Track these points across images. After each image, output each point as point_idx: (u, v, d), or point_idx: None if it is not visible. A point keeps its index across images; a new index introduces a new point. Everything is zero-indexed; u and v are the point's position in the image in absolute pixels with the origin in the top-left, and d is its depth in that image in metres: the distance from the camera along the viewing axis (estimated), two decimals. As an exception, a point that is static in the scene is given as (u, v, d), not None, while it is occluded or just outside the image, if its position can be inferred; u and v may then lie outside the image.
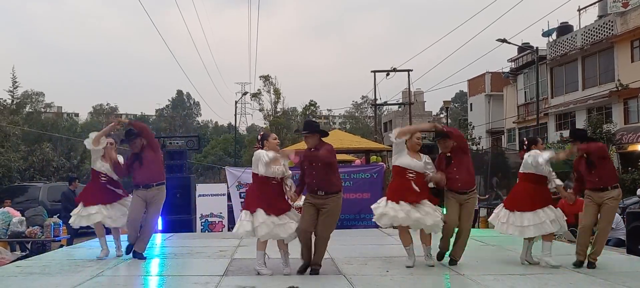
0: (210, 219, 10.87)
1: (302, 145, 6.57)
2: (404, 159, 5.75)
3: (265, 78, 41.26)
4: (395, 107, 41.16)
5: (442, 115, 46.00)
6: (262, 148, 5.51)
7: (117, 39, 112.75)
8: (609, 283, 5.02)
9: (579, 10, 27.07)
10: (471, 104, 40.24)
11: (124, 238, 6.67)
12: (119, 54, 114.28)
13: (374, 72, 30.63)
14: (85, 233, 12.11)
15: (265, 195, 5.40)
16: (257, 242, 5.50)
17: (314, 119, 5.85)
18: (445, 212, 5.86)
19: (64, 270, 5.72)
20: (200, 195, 10.97)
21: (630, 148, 21.42)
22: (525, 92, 31.07)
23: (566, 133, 21.55)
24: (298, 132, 5.92)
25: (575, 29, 26.74)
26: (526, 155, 5.94)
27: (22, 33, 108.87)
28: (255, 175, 5.52)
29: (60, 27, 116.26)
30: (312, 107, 41.45)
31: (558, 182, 6.04)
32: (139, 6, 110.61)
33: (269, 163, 5.33)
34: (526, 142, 6.13)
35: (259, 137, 5.75)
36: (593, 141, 6.38)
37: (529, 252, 6.06)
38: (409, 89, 31.35)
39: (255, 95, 42.47)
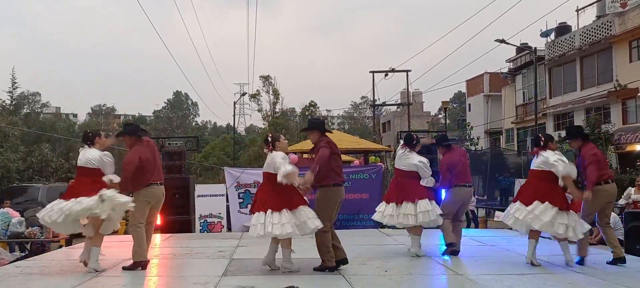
0: (209, 220, 10.88)
1: (306, 145, 6.68)
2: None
3: (265, 78, 41.30)
4: (394, 108, 41.21)
5: (440, 116, 46.01)
6: (273, 149, 5.53)
7: (115, 39, 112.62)
8: (607, 282, 5.04)
9: (578, 10, 27.13)
10: (469, 104, 40.27)
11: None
12: (117, 53, 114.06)
13: (373, 72, 30.69)
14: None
15: (283, 193, 5.37)
16: (284, 240, 5.46)
17: (316, 117, 6.02)
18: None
19: (64, 271, 5.73)
20: (199, 196, 10.97)
21: (629, 148, 21.45)
22: (523, 92, 31.11)
23: (564, 133, 21.53)
24: (304, 130, 6.17)
25: (573, 29, 26.78)
26: (548, 155, 5.87)
27: (22, 33, 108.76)
28: (269, 175, 5.48)
29: (59, 25, 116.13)
30: (311, 108, 41.47)
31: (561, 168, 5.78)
32: (137, 6, 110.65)
33: (286, 177, 5.28)
34: (543, 139, 6.04)
35: (270, 138, 5.69)
36: (589, 142, 6.40)
37: (534, 252, 5.94)
38: (408, 89, 31.38)
39: (254, 96, 42.48)
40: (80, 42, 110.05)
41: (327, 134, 5.82)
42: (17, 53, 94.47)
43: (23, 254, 9.51)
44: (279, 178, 5.23)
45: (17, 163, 21.91)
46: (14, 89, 26.54)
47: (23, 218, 10.46)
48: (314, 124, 5.96)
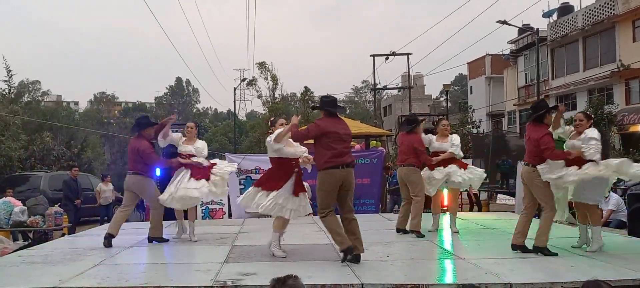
0: (210, 206, 10.86)
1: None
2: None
3: (261, 65, 41.07)
4: (395, 91, 41.03)
5: (442, 99, 45.80)
6: (273, 132, 5.64)
7: (116, 25, 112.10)
8: (611, 265, 5.01)
9: (580, -10, 26.87)
10: (471, 87, 40.12)
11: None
12: (118, 40, 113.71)
13: (373, 56, 30.47)
14: (87, 221, 12.17)
15: (287, 176, 5.48)
16: (275, 222, 5.60)
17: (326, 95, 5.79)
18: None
19: (66, 259, 5.72)
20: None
21: (632, 129, 21.37)
22: (525, 73, 30.94)
23: (567, 115, 21.42)
24: (315, 107, 6.69)
25: (576, 10, 26.56)
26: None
27: (20, 22, 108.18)
28: (273, 160, 5.60)
29: (57, 11, 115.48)
30: (307, 93, 41.22)
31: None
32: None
33: (278, 140, 5.37)
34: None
35: (270, 123, 5.92)
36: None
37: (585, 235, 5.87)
38: (409, 72, 31.19)
39: (251, 83, 42.30)
40: (80, 29, 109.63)
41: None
42: (15, 41, 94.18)
43: (26, 243, 9.52)
44: (269, 140, 5.44)
45: (19, 152, 21.87)
46: (10, 77, 26.33)
47: (25, 207, 10.46)
48: (321, 102, 5.61)
